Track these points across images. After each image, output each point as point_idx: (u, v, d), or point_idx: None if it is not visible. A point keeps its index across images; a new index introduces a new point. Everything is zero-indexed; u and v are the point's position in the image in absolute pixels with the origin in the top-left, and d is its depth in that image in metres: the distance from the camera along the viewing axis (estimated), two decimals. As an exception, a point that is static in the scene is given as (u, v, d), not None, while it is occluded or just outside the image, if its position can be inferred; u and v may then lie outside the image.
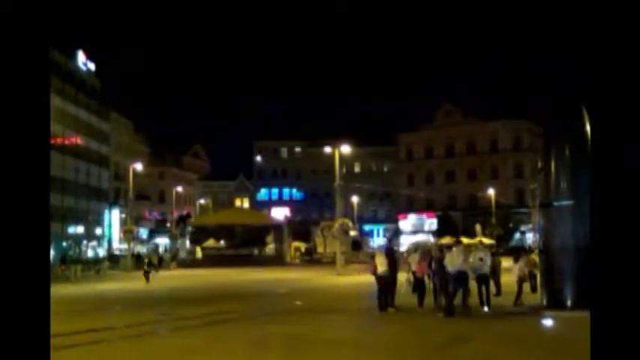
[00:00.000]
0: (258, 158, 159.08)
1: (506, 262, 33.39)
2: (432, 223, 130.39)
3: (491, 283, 32.14)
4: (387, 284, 25.19)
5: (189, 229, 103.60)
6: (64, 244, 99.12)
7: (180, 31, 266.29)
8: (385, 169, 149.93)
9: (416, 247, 30.49)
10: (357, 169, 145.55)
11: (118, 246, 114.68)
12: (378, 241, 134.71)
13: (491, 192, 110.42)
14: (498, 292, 31.18)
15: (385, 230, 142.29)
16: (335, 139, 77.15)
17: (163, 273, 65.35)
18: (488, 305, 24.82)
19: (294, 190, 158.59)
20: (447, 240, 79.09)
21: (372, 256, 28.16)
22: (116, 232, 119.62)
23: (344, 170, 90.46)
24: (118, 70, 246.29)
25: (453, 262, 24.68)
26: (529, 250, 37.18)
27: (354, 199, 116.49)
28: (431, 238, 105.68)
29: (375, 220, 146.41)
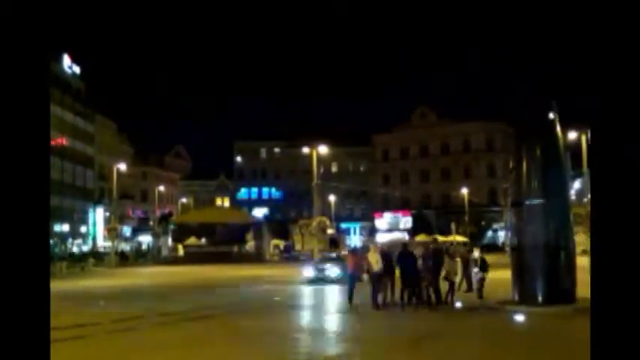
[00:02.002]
0: (239, 158, 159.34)
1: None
2: (406, 221, 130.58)
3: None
4: (382, 283, 25.37)
5: (172, 227, 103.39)
6: (50, 241, 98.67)
7: (163, 32, 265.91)
8: (361, 168, 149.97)
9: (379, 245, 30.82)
10: (334, 168, 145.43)
11: (103, 243, 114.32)
12: (354, 239, 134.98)
13: (464, 191, 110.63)
14: (469, 288, 31.30)
15: (362, 228, 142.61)
16: (313, 140, 77.23)
17: (145, 270, 65.20)
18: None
19: (273, 190, 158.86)
20: (421, 237, 79.78)
21: (361, 254, 28.17)
22: (100, 230, 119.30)
23: (321, 170, 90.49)
24: (102, 72, 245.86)
25: (378, 261, 25.21)
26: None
27: (332, 198, 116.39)
28: (406, 236, 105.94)
29: (351, 219, 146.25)
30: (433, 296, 24.95)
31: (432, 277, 25.01)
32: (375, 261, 25.20)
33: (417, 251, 27.36)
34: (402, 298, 25.26)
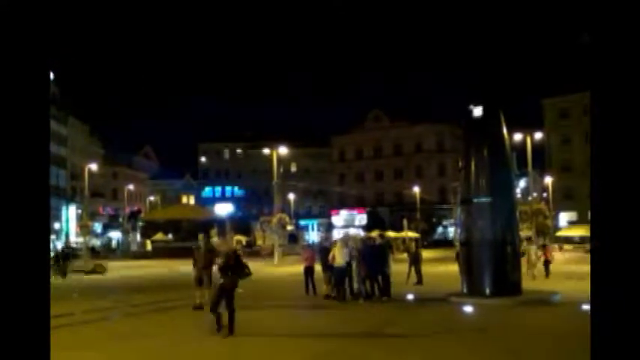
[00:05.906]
0: (203, 159, 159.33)
1: (426, 254, 33.55)
2: (362, 218, 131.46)
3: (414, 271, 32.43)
4: (345, 276, 25.35)
5: (140, 223, 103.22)
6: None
7: (131, 35, 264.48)
8: (319, 168, 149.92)
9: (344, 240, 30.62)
10: (293, 168, 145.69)
11: (75, 239, 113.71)
12: (312, 234, 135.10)
13: (416, 190, 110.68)
14: (419, 281, 31.40)
15: (319, 225, 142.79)
16: (273, 141, 77.55)
17: (115, 264, 64.85)
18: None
19: (236, 188, 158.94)
20: (375, 233, 79.94)
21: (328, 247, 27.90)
22: (73, 227, 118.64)
23: (281, 170, 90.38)
24: (73, 76, 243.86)
25: (345, 255, 25.16)
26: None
27: (291, 196, 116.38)
28: (361, 232, 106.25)
29: (309, 216, 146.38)
30: (369, 289, 24.94)
31: (367, 271, 24.97)
32: (341, 255, 25.12)
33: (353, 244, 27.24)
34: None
